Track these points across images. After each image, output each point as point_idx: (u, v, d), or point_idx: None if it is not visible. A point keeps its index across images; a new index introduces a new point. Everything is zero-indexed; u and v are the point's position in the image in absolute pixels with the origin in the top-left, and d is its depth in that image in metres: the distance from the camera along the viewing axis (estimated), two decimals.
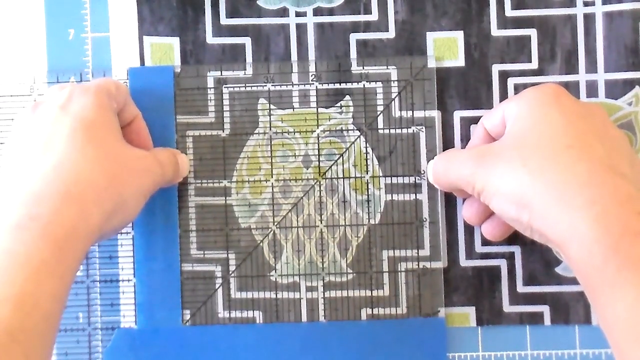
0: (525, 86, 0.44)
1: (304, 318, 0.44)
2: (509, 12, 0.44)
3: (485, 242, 0.44)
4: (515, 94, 0.44)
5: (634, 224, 0.33)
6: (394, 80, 0.44)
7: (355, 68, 0.44)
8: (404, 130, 0.44)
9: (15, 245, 0.32)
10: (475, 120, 0.44)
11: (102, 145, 0.36)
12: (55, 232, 0.33)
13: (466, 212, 0.42)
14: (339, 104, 0.44)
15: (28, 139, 0.36)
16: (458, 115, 0.44)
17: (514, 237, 0.43)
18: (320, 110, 0.44)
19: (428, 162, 0.43)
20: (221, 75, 0.44)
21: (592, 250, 0.33)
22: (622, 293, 0.32)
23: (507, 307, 0.44)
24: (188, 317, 0.43)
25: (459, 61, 0.44)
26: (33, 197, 0.34)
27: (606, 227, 0.33)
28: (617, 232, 0.33)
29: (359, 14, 0.44)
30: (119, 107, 0.40)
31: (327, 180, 0.44)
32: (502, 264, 0.44)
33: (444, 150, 0.43)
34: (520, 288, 0.44)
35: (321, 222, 0.44)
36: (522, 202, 0.36)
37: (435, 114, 0.44)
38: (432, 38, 0.44)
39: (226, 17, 0.44)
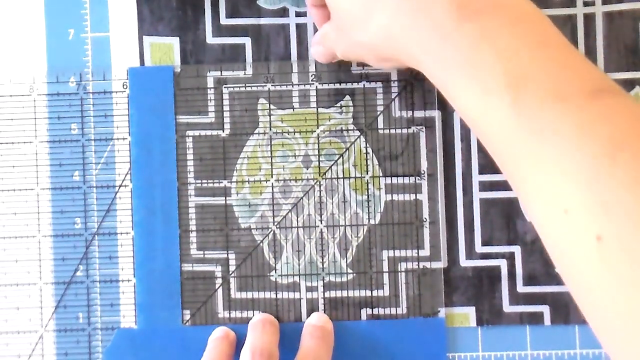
0: None
1: (304, 318, 0.43)
2: None
3: (486, 242, 0.44)
4: None
5: None
6: (394, 80, 0.44)
7: (355, 68, 0.44)
8: (404, 130, 0.44)
9: None
10: None
11: None
12: None
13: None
14: (339, 104, 0.44)
15: None
16: (458, 115, 0.44)
17: (514, 237, 0.43)
18: (320, 110, 0.44)
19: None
20: (221, 75, 0.44)
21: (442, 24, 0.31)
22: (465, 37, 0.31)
23: (507, 307, 0.44)
24: (188, 317, 0.43)
25: None
26: None
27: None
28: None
29: None
30: None
31: (327, 180, 0.44)
32: (502, 264, 0.44)
33: (443, 151, 0.44)
34: (520, 288, 0.44)
35: (321, 222, 0.44)
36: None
37: (435, 114, 0.44)
38: None
39: (226, 17, 0.44)
